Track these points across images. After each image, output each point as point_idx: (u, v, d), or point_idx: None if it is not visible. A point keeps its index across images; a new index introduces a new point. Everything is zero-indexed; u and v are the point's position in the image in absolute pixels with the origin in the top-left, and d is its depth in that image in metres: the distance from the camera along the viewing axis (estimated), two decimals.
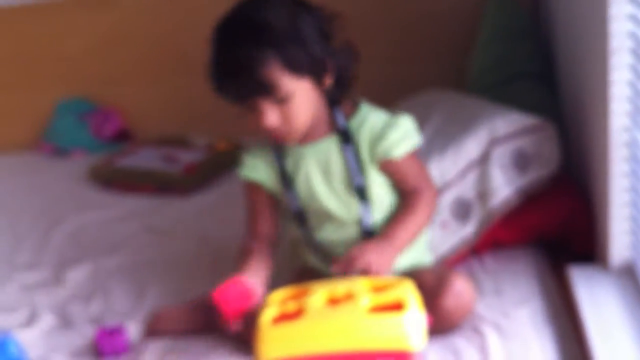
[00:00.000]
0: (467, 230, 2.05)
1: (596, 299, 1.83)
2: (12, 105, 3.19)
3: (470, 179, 2.06)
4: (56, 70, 3.16)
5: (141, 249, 2.37)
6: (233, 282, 1.77)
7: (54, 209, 2.68)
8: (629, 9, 1.75)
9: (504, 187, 2.06)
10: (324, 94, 1.82)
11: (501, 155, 2.06)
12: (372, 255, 1.74)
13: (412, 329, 1.51)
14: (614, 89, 1.80)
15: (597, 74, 1.89)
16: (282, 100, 1.75)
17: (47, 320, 2.04)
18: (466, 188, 2.06)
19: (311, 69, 1.76)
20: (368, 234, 1.85)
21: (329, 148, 1.85)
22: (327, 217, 1.87)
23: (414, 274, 1.82)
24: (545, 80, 2.52)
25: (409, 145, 1.85)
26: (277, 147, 1.88)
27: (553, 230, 2.09)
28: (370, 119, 1.85)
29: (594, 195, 2.03)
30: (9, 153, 3.17)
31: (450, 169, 2.04)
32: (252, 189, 1.93)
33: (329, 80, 1.80)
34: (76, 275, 2.25)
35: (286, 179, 1.88)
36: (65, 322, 2.04)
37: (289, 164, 1.88)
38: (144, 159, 2.88)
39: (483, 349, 1.73)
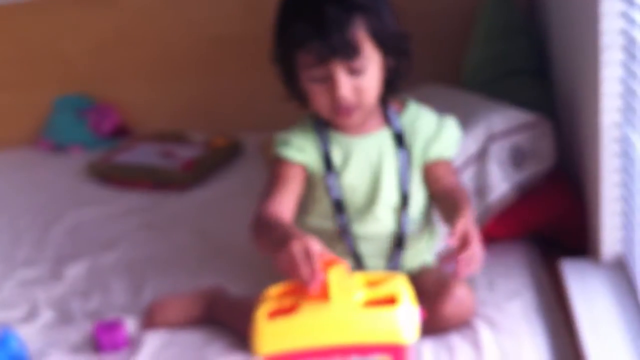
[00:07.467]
0: None
1: (588, 292, 1.85)
2: (11, 102, 3.19)
3: (468, 175, 2.08)
4: (55, 67, 3.16)
5: (139, 244, 2.39)
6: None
7: (52, 205, 2.69)
8: (620, 6, 1.77)
9: (501, 183, 2.07)
10: (384, 81, 1.79)
11: (498, 152, 2.08)
12: (479, 249, 1.65)
13: (405, 323, 1.53)
14: (606, 85, 1.82)
15: (588, 70, 1.90)
16: (357, 71, 1.72)
17: (46, 316, 2.05)
18: (464, 184, 2.07)
19: (390, 44, 1.75)
20: (399, 239, 1.84)
21: (382, 143, 1.84)
22: (362, 210, 1.84)
23: (417, 276, 1.82)
24: (540, 77, 2.53)
25: (457, 145, 1.88)
26: (322, 132, 1.84)
27: (545, 225, 2.10)
28: (423, 118, 1.85)
29: (586, 190, 2.04)
30: (7, 149, 3.17)
31: None
32: (291, 169, 1.84)
33: (392, 65, 1.78)
34: (75, 271, 2.26)
35: (330, 166, 1.84)
36: (64, 317, 2.05)
37: (336, 152, 1.84)
38: (142, 155, 2.89)
39: (476, 344, 1.75)
